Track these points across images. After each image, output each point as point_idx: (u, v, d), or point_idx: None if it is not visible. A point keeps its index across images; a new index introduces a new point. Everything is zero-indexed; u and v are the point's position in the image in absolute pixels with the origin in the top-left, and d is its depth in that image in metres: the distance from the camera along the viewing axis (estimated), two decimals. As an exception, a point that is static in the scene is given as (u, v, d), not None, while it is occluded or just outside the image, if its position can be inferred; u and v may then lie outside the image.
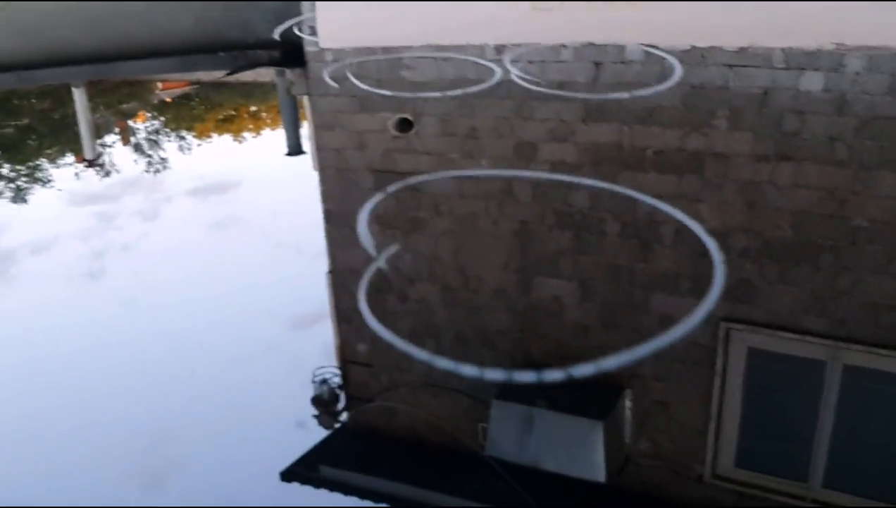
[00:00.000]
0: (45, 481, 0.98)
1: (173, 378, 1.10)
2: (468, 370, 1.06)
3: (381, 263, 1.15)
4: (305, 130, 1.89)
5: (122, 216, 1.53)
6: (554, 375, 1.05)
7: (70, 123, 2.26)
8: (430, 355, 1.12)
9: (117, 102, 2.39)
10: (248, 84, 2.41)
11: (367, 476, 1.05)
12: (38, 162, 1.93)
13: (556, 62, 2.06)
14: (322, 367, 1.11)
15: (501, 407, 1.08)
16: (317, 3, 3.00)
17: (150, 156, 1.88)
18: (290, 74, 2.17)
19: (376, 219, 1.26)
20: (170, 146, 1.96)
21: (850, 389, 1.06)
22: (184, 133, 2.09)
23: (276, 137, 1.98)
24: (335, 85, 2.00)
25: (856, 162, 1.51)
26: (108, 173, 1.76)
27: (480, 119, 1.70)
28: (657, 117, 1.73)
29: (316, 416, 1.07)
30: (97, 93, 2.45)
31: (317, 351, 1.15)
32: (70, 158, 1.97)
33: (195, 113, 2.26)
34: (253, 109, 2.24)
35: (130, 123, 2.15)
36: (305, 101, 2.06)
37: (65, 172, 1.80)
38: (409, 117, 1.76)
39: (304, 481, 1.03)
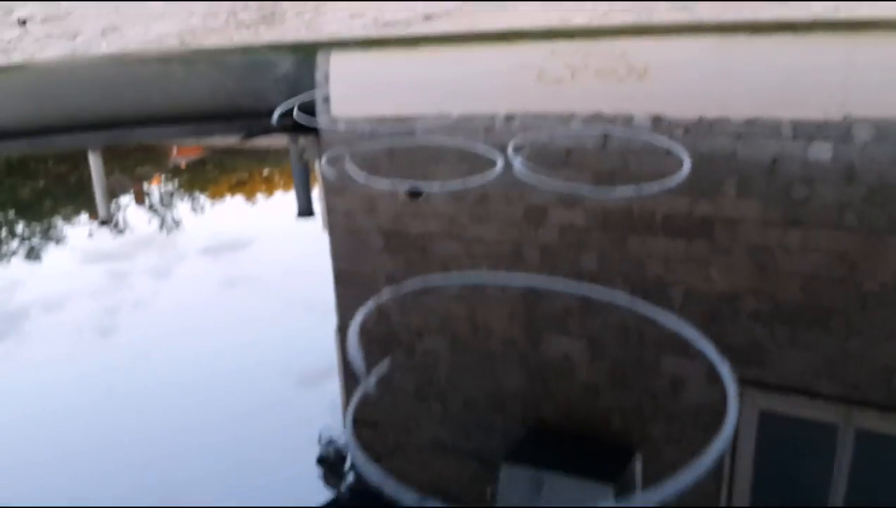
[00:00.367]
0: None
1: (179, 434, 1.09)
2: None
3: (370, 387, 1.14)
4: (316, 193, 1.91)
5: (134, 274, 1.53)
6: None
7: (86, 185, 2.29)
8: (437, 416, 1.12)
9: (133, 166, 2.42)
10: (261, 150, 2.44)
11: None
12: (52, 222, 1.95)
13: (563, 137, 2.06)
14: (328, 425, 1.10)
15: (510, 470, 1.07)
16: (330, 74, 3.07)
17: (163, 216, 1.90)
18: (302, 140, 2.21)
19: (367, 332, 1.24)
20: (183, 207, 1.98)
21: (863, 453, 1.04)
22: (197, 195, 2.11)
23: (287, 200, 2.00)
24: (345, 152, 2.03)
25: (865, 228, 1.51)
26: (121, 232, 1.78)
27: (480, 217, 1.67)
28: (649, 158, 1.75)
29: (321, 476, 1.06)
30: (113, 157, 2.48)
31: (324, 408, 1.14)
32: (84, 217, 1.99)
33: (209, 176, 2.29)
34: (265, 172, 2.27)
35: (145, 185, 2.18)
36: (317, 165, 2.09)
37: (78, 231, 1.82)
38: (419, 189, 1.78)
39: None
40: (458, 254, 1.55)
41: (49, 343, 1.35)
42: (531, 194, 1.69)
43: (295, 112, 2.19)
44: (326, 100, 2.67)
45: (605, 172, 1.84)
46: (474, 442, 1.10)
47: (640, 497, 0.99)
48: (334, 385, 1.20)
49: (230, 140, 2.56)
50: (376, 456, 1.05)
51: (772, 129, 1.97)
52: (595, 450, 1.09)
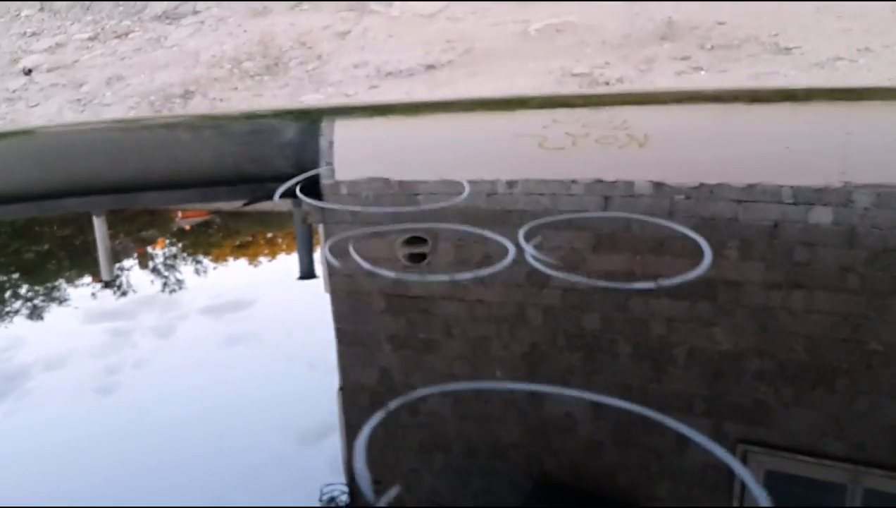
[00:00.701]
0: None
1: (180, 492, 1.08)
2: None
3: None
4: (318, 255, 1.92)
5: (136, 333, 1.53)
6: None
7: (90, 248, 2.30)
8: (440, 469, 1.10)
9: (137, 230, 2.44)
10: (265, 213, 2.46)
11: None
12: (55, 283, 1.95)
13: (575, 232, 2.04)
14: (329, 484, 1.09)
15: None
16: (334, 141, 3.10)
17: (166, 277, 1.90)
18: (305, 204, 2.22)
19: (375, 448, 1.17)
20: (186, 269, 1.99)
21: (872, 514, 1.03)
22: (201, 257, 2.12)
23: (289, 262, 2.00)
24: (348, 217, 2.04)
25: (868, 290, 1.52)
26: (124, 293, 1.78)
27: (491, 311, 1.61)
28: (668, 247, 1.75)
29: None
30: (117, 221, 2.50)
31: (325, 466, 1.13)
32: (87, 278, 2.00)
33: (213, 239, 2.30)
34: (269, 235, 2.28)
35: (149, 248, 2.19)
36: (320, 228, 2.10)
37: (81, 292, 1.82)
38: (423, 251, 1.79)
39: None
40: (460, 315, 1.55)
41: (50, 402, 1.35)
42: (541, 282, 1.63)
43: (297, 191, 2.21)
44: (330, 165, 2.70)
45: (621, 260, 1.79)
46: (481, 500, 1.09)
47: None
48: (335, 442, 1.19)
49: (234, 204, 2.58)
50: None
51: (772, 194, 1.98)
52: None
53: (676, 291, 1.50)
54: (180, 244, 2.22)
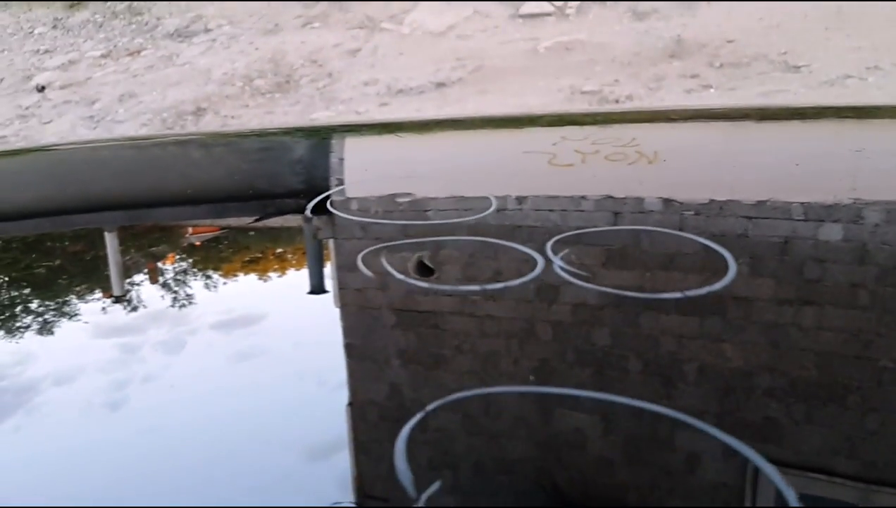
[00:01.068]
0: None
1: (190, 506, 1.08)
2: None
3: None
4: (328, 271, 1.92)
5: (145, 347, 1.54)
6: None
7: (101, 264, 2.30)
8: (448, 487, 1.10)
9: (147, 246, 2.44)
10: (275, 229, 2.47)
11: None
12: (66, 298, 1.96)
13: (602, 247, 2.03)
14: (338, 502, 1.09)
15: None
16: (345, 157, 3.11)
17: (176, 292, 1.91)
18: (316, 220, 2.22)
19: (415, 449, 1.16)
20: (196, 284, 1.99)
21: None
22: (211, 273, 2.13)
23: (299, 277, 2.01)
24: (358, 233, 2.05)
25: (879, 307, 1.51)
26: (134, 308, 1.79)
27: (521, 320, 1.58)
28: (679, 263, 1.75)
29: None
30: (129, 237, 2.51)
31: (334, 482, 1.13)
32: (98, 294, 2.00)
33: (223, 255, 2.31)
34: (279, 251, 2.29)
35: (159, 264, 2.20)
36: (330, 243, 2.11)
37: (92, 307, 1.82)
38: (429, 264, 1.79)
39: None
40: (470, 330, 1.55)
41: (59, 417, 1.35)
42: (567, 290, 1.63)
43: (307, 211, 2.21)
44: (340, 184, 2.70)
45: (642, 270, 1.77)
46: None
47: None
48: (344, 458, 1.19)
49: (245, 220, 2.59)
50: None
51: (782, 210, 1.98)
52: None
53: (702, 300, 1.51)
54: (191, 260, 2.24)
